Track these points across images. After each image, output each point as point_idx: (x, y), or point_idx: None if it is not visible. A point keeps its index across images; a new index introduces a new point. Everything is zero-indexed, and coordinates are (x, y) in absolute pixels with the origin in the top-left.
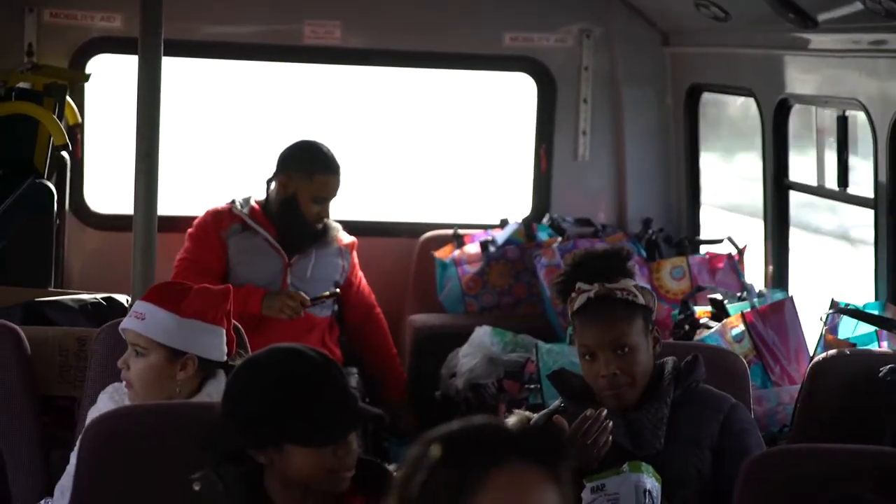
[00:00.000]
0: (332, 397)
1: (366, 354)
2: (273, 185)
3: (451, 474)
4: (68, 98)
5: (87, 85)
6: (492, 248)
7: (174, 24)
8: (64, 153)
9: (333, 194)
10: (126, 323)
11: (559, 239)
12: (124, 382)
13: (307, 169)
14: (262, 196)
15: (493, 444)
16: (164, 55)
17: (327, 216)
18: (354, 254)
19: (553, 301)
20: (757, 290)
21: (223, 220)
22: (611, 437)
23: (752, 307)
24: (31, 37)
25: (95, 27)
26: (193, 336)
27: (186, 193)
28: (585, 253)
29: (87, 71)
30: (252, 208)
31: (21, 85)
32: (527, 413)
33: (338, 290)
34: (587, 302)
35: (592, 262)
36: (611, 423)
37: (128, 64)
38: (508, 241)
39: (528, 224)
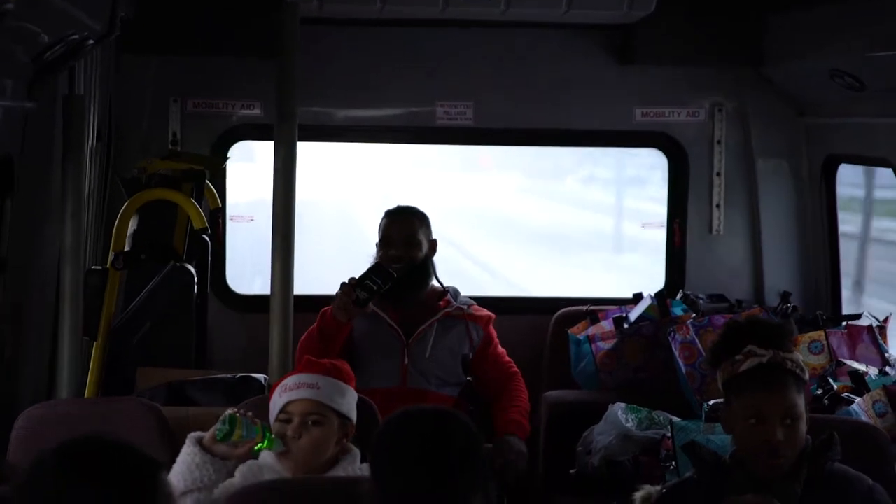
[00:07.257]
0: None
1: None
2: None
3: None
4: (208, 183)
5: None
6: (625, 325)
7: (310, 110)
8: (205, 236)
9: (397, 235)
10: (298, 394)
11: (693, 315)
12: (270, 456)
13: (380, 224)
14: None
15: None
16: (300, 140)
17: (402, 256)
18: (490, 328)
19: (689, 377)
20: None
21: None
22: None
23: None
24: (175, 126)
25: (236, 115)
26: (352, 404)
27: (323, 273)
28: (755, 319)
29: (229, 156)
30: None
31: (161, 172)
32: (654, 487)
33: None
34: (758, 367)
35: (764, 328)
36: None
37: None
38: (642, 318)
39: (662, 299)
